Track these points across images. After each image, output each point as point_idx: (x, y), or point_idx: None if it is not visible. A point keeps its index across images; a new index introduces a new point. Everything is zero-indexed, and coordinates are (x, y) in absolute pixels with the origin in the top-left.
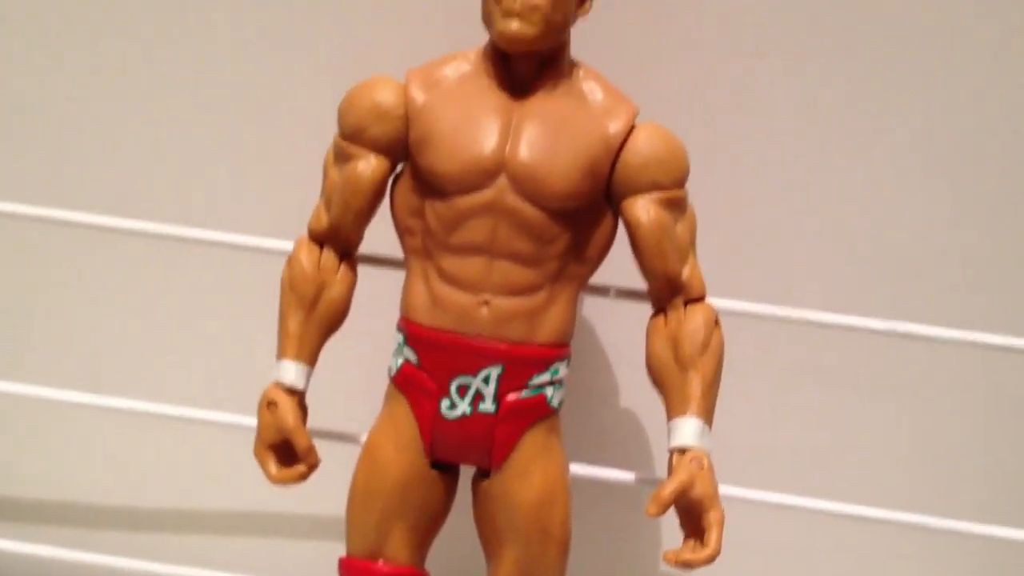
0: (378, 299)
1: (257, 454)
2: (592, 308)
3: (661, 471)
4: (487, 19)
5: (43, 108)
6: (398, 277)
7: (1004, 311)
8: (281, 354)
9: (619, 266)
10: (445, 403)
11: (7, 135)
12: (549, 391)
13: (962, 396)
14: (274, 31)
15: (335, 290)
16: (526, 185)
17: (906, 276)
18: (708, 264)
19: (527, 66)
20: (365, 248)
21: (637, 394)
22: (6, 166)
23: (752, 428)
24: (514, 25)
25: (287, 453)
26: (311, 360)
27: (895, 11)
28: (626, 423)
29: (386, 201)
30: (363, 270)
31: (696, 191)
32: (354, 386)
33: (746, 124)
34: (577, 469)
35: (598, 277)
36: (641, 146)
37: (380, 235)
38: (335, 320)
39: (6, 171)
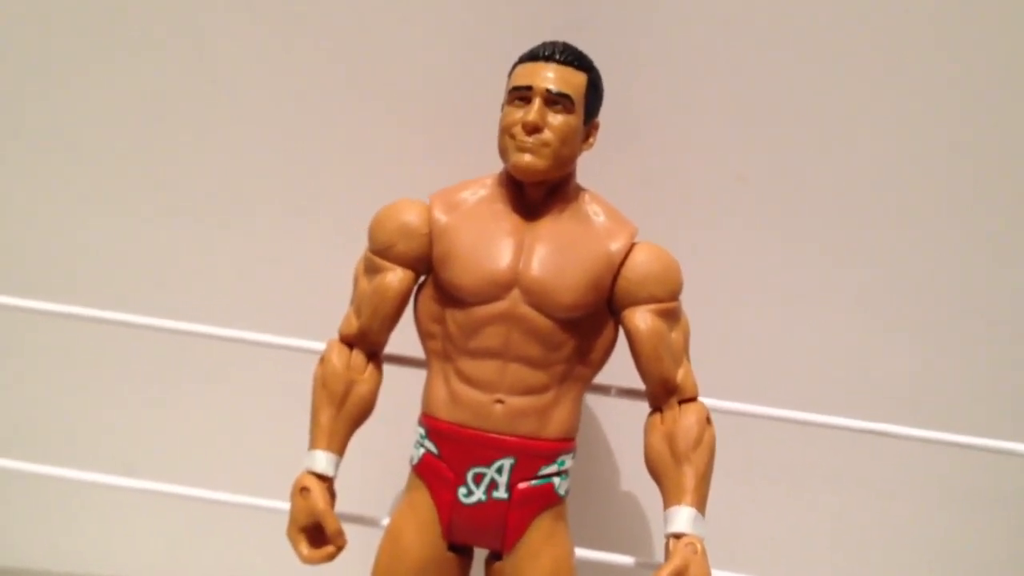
0: (401, 396)
1: (290, 535)
2: (595, 405)
3: (659, 555)
4: (503, 152)
5: (94, 215)
6: (419, 376)
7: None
8: (313, 444)
9: (619, 368)
10: (462, 490)
11: (66, 242)
12: (556, 481)
13: (926, 489)
14: (311, 158)
15: (363, 388)
16: (537, 297)
17: (870, 382)
18: (700, 367)
19: (538, 192)
20: (390, 349)
21: (636, 484)
22: (61, 271)
23: (741, 516)
24: (527, 158)
25: (318, 535)
26: (340, 450)
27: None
28: (627, 511)
29: (410, 308)
30: (388, 369)
31: (690, 302)
32: (377, 474)
33: (735, 243)
34: (582, 553)
35: (600, 378)
36: (639, 264)
37: (404, 338)
38: (362, 414)
39: (56, 275)
